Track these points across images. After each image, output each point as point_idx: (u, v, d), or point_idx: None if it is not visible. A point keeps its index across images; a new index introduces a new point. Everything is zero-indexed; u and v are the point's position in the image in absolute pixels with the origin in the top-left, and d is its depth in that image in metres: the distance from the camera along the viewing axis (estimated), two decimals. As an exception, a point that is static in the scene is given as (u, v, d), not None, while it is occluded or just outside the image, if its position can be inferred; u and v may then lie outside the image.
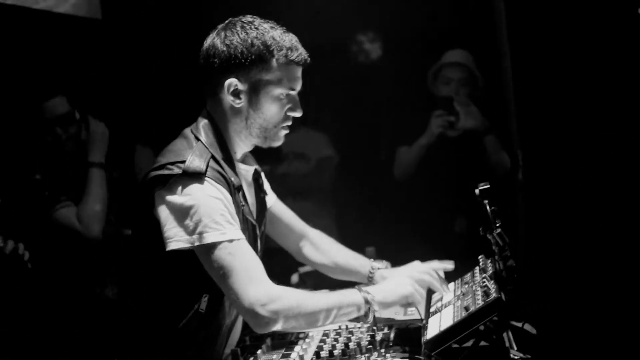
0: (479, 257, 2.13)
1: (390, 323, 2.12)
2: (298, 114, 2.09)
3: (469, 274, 2.11)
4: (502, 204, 2.01)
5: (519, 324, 1.95)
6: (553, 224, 3.38)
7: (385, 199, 3.69)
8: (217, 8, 2.28)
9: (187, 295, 1.98)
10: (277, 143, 2.12)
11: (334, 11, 3.66)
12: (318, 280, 2.69)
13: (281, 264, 2.58)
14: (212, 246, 1.89)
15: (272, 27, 2.02)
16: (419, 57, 3.66)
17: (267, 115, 2.04)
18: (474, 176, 2.22)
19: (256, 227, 2.12)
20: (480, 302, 1.79)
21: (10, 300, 2.69)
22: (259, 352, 2.01)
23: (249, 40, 1.98)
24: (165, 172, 1.93)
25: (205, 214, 1.89)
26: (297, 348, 1.98)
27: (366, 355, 1.90)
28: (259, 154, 2.27)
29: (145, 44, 3.67)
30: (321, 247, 2.47)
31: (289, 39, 2.02)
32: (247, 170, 2.16)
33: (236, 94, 2.02)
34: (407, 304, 2.09)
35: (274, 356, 1.97)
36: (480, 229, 1.98)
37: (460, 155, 3.48)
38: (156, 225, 1.93)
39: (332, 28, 3.67)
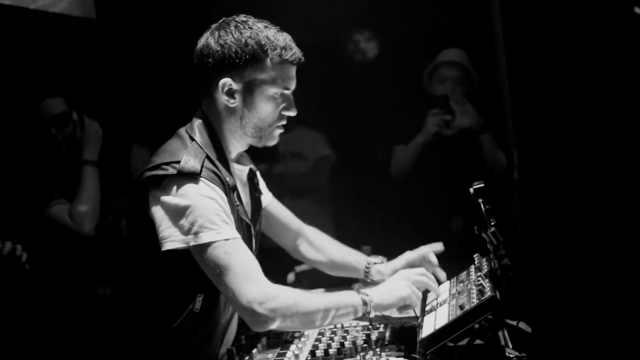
0: (474, 255, 2.13)
1: (385, 322, 2.12)
2: (293, 113, 2.09)
3: (464, 273, 2.12)
4: (497, 203, 2.01)
5: (514, 323, 1.95)
6: (549, 222, 3.38)
7: (382, 197, 3.69)
8: (211, 7, 2.27)
9: (181, 295, 1.98)
10: (272, 142, 2.13)
11: (330, 10, 3.66)
12: (314, 279, 2.69)
13: (277, 263, 2.58)
14: (208, 245, 1.89)
15: (266, 27, 2.03)
16: (415, 56, 3.66)
17: (262, 115, 2.04)
18: (469, 175, 2.22)
19: (251, 227, 2.12)
20: (475, 301, 1.79)
21: (8, 301, 2.69)
22: (254, 351, 2.01)
23: (243, 40, 1.98)
24: (160, 172, 1.93)
25: (201, 213, 1.89)
26: (292, 347, 1.99)
27: (361, 354, 1.90)
28: (255, 154, 2.27)
29: (141, 43, 3.67)
30: (317, 244, 2.48)
31: (283, 38, 2.02)
32: (241, 170, 2.16)
33: (231, 93, 2.02)
34: (404, 305, 2.10)
35: (270, 355, 1.98)
36: (475, 227, 1.98)
37: (456, 154, 3.48)
38: (151, 226, 1.93)
39: (328, 27, 3.67)
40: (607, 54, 3.30)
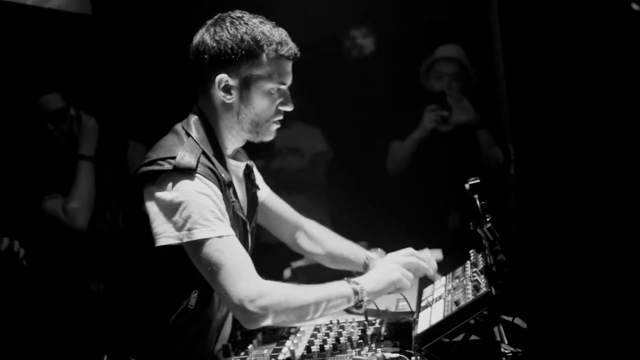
0: (470, 251, 2.14)
1: (381, 317, 2.12)
2: (289, 108, 2.09)
3: (460, 269, 2.12)
4: (494, 199, 2.02)
5: (510, 319, 1.96)
6: (545, 218, 3.39)
7: (379, 193, 3.69)
8: (207, 3, 2.26)
9: (176, 291, 1.98)
10: (269, 138, 2.12)
11: (327, 6, 3.65)
12: (311, 275, 2.69)
13: (273, 259, 2.59)
14: (201, 242, 1.89)
15: (261, 22, 2.02)
16: (412, 52, 3.66)
17: (259, 110, 2.04)
18: (466, 171, 2.22)
19: (247, 223, 2.12)
20: (470, 297, 1.79)
21: (6, 297, 2.69)
22: (250, 347, 2.01)
23: (239, 36, 1.98)
24: (156, 167, 1.93)
25: (195, 210, 1.89)
26: (288, 343, 1.99)
27: (357, 349, 1.91)
28: (253, 149, 2.27)
29: (137, 39, 3.66)
30: (316, 237, 2.48)
31: (279, 34, 2.02)
32: (237, 166, 2.16)
33: (227, 89, 2.02)
34: (396, 289, 2.10)
35: (265, 351, 1.98)
36: (471, 223, 1.98)
37: (453, 150, 3.48)
38: (146, 221, 1.93)
39: (325, 23, 3.67)
40: (604, 51, 3.30)
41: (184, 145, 1.98)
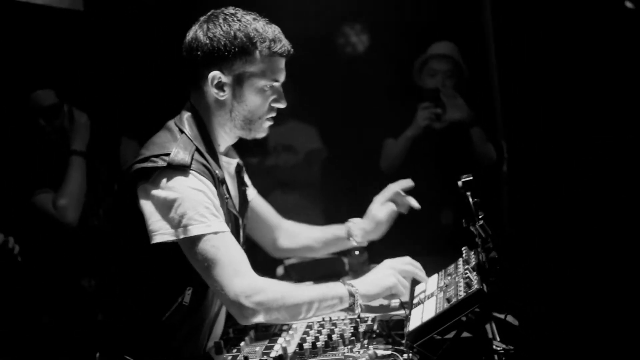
0: (463, 248, 2.14)
1: (374, 314, 2.13)
2: (282, 105, 2.09)
3: (452, 266, 2.12)
4: (487, 196, 2.02)
5: (502, 316, 1.96)
6: (537, 215, 3.39)
7: (372, 191, 3.69)
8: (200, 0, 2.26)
9: (170, 288, 1.98)
10: (262, 134, 2.13)
11: (320, 3, 3.65)
12: (303, 272, 2.70)
13: (266, 256, 2.58)
14: (197, 239, 1.89)
15: (254, 19, 2.02)
16: (406, 49, 3.66)
17: (252, 107, 2.04)
18: (460, 168, 2.22)
19: (239, 219, 2.12)
20: (462, 294, 1.79)
21: (1, 295, 2.69)
22: (242, 344, 2.01)
23: (232, 33, 1.97)
24: (150, 164, 1.93)
25: (190, 206, 1.89)
26: (280, 340, 1.99)
27: (349, 346, 1.91)
28: (246, 146, 2.27)
29: (129, 36, 3.66)
30: (293, 232, 2.53)
31: (272, 31, 2.02)
32: (229, 163, 2.16)
33: (220, 86, 2.01)
34: (390, 295, 2.11)
35: (257, 348, 1.97)
36: (463, 220, 1.99)
37: (447, 147, 3.48)
38: (140, 218, 1.93)
39: (318, 20, 3.66)
40: (596, 48, 3.31)
41: (177, 141, 1.98)
